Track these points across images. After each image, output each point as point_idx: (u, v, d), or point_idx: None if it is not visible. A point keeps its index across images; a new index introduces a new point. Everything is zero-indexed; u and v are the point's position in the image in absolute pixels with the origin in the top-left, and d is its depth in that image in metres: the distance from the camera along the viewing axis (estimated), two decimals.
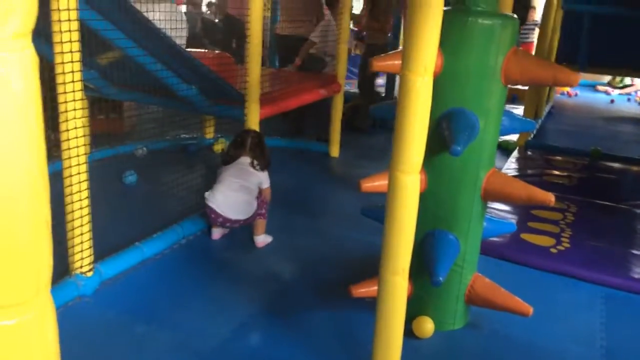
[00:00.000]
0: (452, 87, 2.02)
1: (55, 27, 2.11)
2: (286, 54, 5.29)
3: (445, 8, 1.64)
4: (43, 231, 0.57)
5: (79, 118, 2.24)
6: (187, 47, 4.25)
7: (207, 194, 2.92)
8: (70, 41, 2.14)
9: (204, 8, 7.91)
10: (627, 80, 9.48)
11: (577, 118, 7.39)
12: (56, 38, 2.12)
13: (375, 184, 2.12)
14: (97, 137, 4.09)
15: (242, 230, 3.04)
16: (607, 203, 3.88)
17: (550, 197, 1.99)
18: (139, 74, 3.42)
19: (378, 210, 2.30)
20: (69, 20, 2.12)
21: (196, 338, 2.16)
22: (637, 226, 3.53)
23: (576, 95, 9.07)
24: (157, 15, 3.39)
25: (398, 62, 1.74)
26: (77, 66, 2.19)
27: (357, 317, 2.34)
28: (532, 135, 5.57)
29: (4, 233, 0.53)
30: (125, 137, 4.58)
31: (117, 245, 2.66)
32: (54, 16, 2.10)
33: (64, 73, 2.16)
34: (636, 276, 2.80)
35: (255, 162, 2.98)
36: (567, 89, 9.07)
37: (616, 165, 5.03)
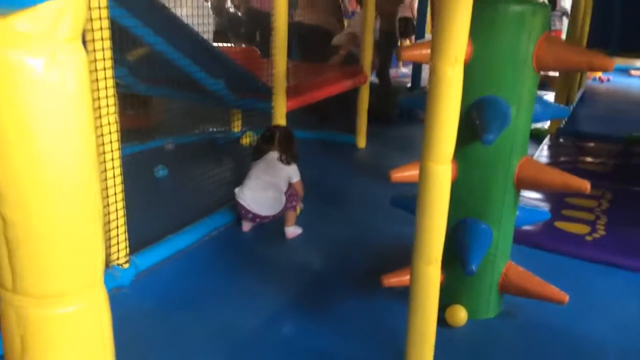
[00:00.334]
0: (482, 75, 1.99)
1: (87, 26, 2.15)
2: (304, 43, 5.27)
3: None
4: (98, 223, 0.59)
5: (112, 114, 2.29)
6: (213, 41, 4.29)
7: (236, 190, 2.96)
8: (102, 39, 2.19)
9: (228, 2, 7.95)
10: None
11: (611, 103, 7.20)
12: (88, 36, 2.17)
13: (405, 174, 2.11)
14: (127, 133, 4.17)
15: (272, 222, 3.06)
16: None
17: (585, 184, 1.96)
18: (166, 69, 3.47)
19: (408, 200, 2.30)
20: (100, 18, 2.16)
21: (230, 327, 2.20)
22: None
23: (608, 80, 8.83)
24: (184, 11, 3.43)
25: (426, 51, 1.73)
26: (108, 63, 2.23)
27: (388, 307, 2.35)
28: (563, 122, 5.45)
29: (67, 226, 0.56)
30: (154, 132, 4.65)
31: (150, 237, 2.71)
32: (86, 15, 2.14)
33: (96, 70, 2.20)
34: None
35: (284, 157, 3.00)
36: (599, 74, 8.84)
37: None
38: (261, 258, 2.81)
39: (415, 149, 1.61)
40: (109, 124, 2.29)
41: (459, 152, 1.91)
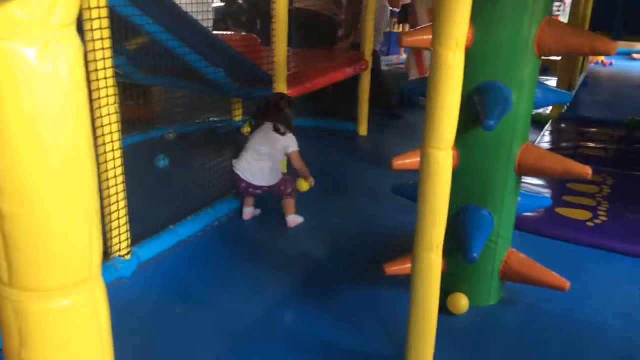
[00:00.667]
0: (483, 61, 1.98)
1: (85, 15, 2.14)
2: (304, 30, 5.24)
3: None
4: (94, 215, 0.59)
5: (112, 104, 2.28)
6: (213, 29, 4.27)
7: (234, 160, 2.99)
8: (101, 28, 2.17)
9: None
10: None
11: (613, 87, 7.16)
12: (86, 25, 2.15)
13: (406, 161, 2.11)
14: (127, 123, 4.15)
15: (273, 211, 3.06)
16: None
17: (587, 170, 1.95)
18: (166, 58, 3.45)
19: (409, 188, 2.29)
20: (99, 7, 2.15)
21: (232, 317, 2.20)
22: None
23: (611, 64, 8.77)
24: None
25: (427, 36, 1.72)
26: (107, 53, 2.22)
27: (391, 295, 2.35)
28: (565, 107, 5.42)
29: (62, 218, 0.55)
30: (155, 122, 4.64)
31: (152, 228, 2.72)
32: (84, 3, 2.12)
33: (95, 60, 2.19)
34: None
35: (277, 126, 2.97)
36: (601, 58, 8.78)
37: None
38: (263, 247, 2.81)
39: (416, 136, 1.60)
40: (109, 114, 2.28)
41: (460, 138, 1.90)
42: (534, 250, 2.45)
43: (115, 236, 2.41)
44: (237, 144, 4.23)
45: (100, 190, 2.33)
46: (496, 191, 2.12)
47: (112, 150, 2.32)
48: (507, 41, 1.94)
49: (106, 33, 2.20)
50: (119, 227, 2.41)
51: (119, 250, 2.43)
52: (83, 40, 2.18)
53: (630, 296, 2.40)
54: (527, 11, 1.91)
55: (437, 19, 1.51)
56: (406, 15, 7.85)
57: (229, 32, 4.84)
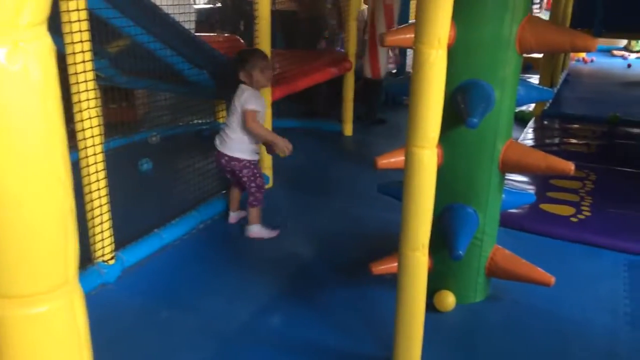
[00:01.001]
0: (466, 59, 1.98)
1: (65, 17, 2.11)
2: (288, 30, 5.23)
3: None
4: (69, 219, 0.57)
5: (93, 108, 2.25)
6: (196, 31, 4.24)
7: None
8: (80, 31, 2.14)
9: None
10: None
11: (594, 84, 7.25)
12: (66, 28, 2.12)
13: (391, 160, 2.11)
14: (110, 126, 4.11)
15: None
16: (627, 169, 3.82)
17: (569, 166, 1.96)
18: (149, 61, 3.42)
19: (394, 187, 2.29)
20: (78, 9, 2.12)
21: (219, 321, 2.19)
22: None
23: (592, 61, 8.89)
24: (164, 1, 3.37)
25: (410, 35, 1.72)
26: (88, 56, 2.19)
27: (378, 295, 2.35)
28: (548, 104, 5.48)
29: (33, 223, 0.54)
30: (138, 125, 4.60)
31: (137, 232, 2.68)
32: (63, 6, 2.09)
33: (75, 63, 2.16)
34: None
35: (242, 77, 2.70)
36: (582, 55, 8.89)
37: (635, 130, 4.93)
38: (249, 250, 2.79)
39: (401, 135, 1.60)
40: (90, 117, 2.25)
41: (444, 136, 1.91)
42: (519, 246, 2.47)
43: (99, 241, 2.38)
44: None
45: (83, 195, 2.30)
46: (481, 189, 2.13)
47: (94, 154, 2.29)
48: (489, 39, 1.95)
49: (86, 36, 2.17)
50: (102, 232, 2.38)
51: (103, 255, 2.40)
52: (63, 44, 2.16)
53: (614, 291, 2.42)
54: (509, 9, 1.92)
55: (419, 17, 1.51)
56: None
57: (212, 34, 4.81)
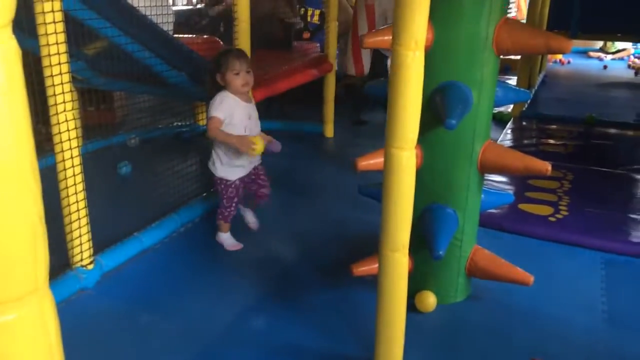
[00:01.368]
0: (444, 60, 2.00)
1: (40, 19, 2.08)
2: (260, 32, 5.21)
3: None
4: (36, 225, 0.56)
5: (69, 110, 2.22)
6: (174, 33, 4.21)
7: None
8: (56, 32, 2.11)
9: None
10: (620, 45, 9.44)
11: (571, 86, 7.37)
12: (41, 30, 2.09)
13: (371, 162, 2.11)
14: (89, 129, 4.07)
15: (239, 217, 2.99)
16: (603, 169, 3.89)
17: (546, 166, 1.99)
18: (127, 62, 3.38)
19: (375, 189, 2.30)
20: (53, 11, 2.09)
21: (201, 324, 2.17)
22: (634, 190, 3.54)
23: (569, 62, 9.03)
24: (141, 2, 3.34)
25: (388, 37, 1.72)
26: (64, 58, 2.16)
27: (359, 296, 2.35)
28: (526, 105, 5.55)
29: (1, 230, 0.52)
30: (117, 128, 4.55)
31: (116, 236, 2.65)
32: (38, 8, 2.06)
33: (50, 65, 2.13)
34: (635, 240, 2.81)
35: (218, 79, 2.58)
36: (559, 57, 9.03)
37: (611, 130, 5.02)
38: (231, 253, 2.77)
39: (383, 136, 1.61)
40: (67, 120, 2.22)
41: (423, 138, 1.93)
42: (498, 246, 2.49)
43: (77, 246, 2.34)
44: (202, 149, 4.19)
45: (59, 199, 2.27)
46: (460, 189, 2.15)
47: (71, 157, 2.25)
48: (466, 41, 1.97)
49: (62, 37, 2.14)
50: (80, 236, 2.34)
51: (81, 260, 2.36)
52: (38, 45, 2.13)
53: (592, 289, 2.46)
54: (485, 11, 1.94)
55: (396, 19, 1.51)
56: None
57: (190, 36, 4.77)
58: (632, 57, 9.22)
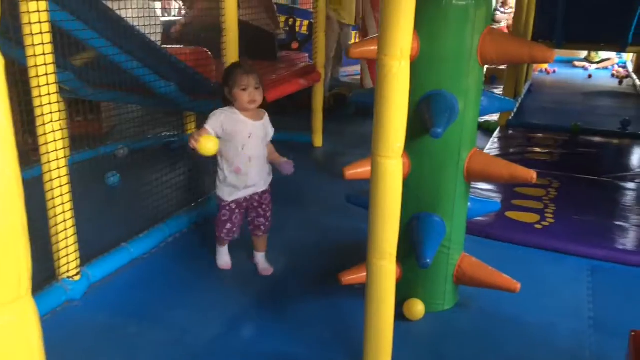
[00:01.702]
0: (429, 70, 2.02)
1: (26, 30, 2.08)
2: (247, 43, 5.23)
3: None
4: (19, 235, 0.56)
5: (56, 121, 2.21)
6: (162, 43, 4.21)
7: None
8: (42, 43, 2.11)
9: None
10: (604, 54, 9.58)
11: (556, 95, 7.46)
12: (28, 41, 2.09)
13: (358, 170, 2.12)
14: (77, 139, 4.05)
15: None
16: (588, 177, 3.94)
17: (532, 174, 2.01)
18: (115, 73, 3.38)
19: (363, 197, 2.31)
20: (40, 22, 2.09)
21: (189, 335, 2.16)
22: (619, 198, 3.59)
23: (554, 72, 9.15)
24: (129, 13, 3.35)
25: (374, 47, 1.74)
26: (50, 68, 2.16)
27: (348, 304, 2.35)
28: (512, 114, 5.61)
29: None
30: (105, 138, 4.53)
31: (103, 247, 2.63)
32: (24, 19, 2.06)
33: (37, 76, 2.13)
34: (620, 247, 2.85)
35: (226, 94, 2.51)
36: (545, 67, 9.15)
37: (596, 139, 5.09)
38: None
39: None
40: (54, 130, 2.21)
41: (410, 146, 1.94)
42: (485, 253, 2.50)
43: (64, 257, 2.32)
44: (190, 159, 4.18)
45: (46, 210, 2.25)
46: (447, 197, 2.17)
47: (58, 168, 2.24)
48: (451, 51, 2.00)
49: (48, 48, 2.14)
50: (67, 247, 2.32)
51: (68, 271, 2.34)
52: (25, 56, 2.12)
53: (578, 296, 2.48)
54: (469, 21, 1.97)
55: (382, 29, 1.54)
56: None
57: (179, 46, 4.78)
58: (616, 66, 9.37)
